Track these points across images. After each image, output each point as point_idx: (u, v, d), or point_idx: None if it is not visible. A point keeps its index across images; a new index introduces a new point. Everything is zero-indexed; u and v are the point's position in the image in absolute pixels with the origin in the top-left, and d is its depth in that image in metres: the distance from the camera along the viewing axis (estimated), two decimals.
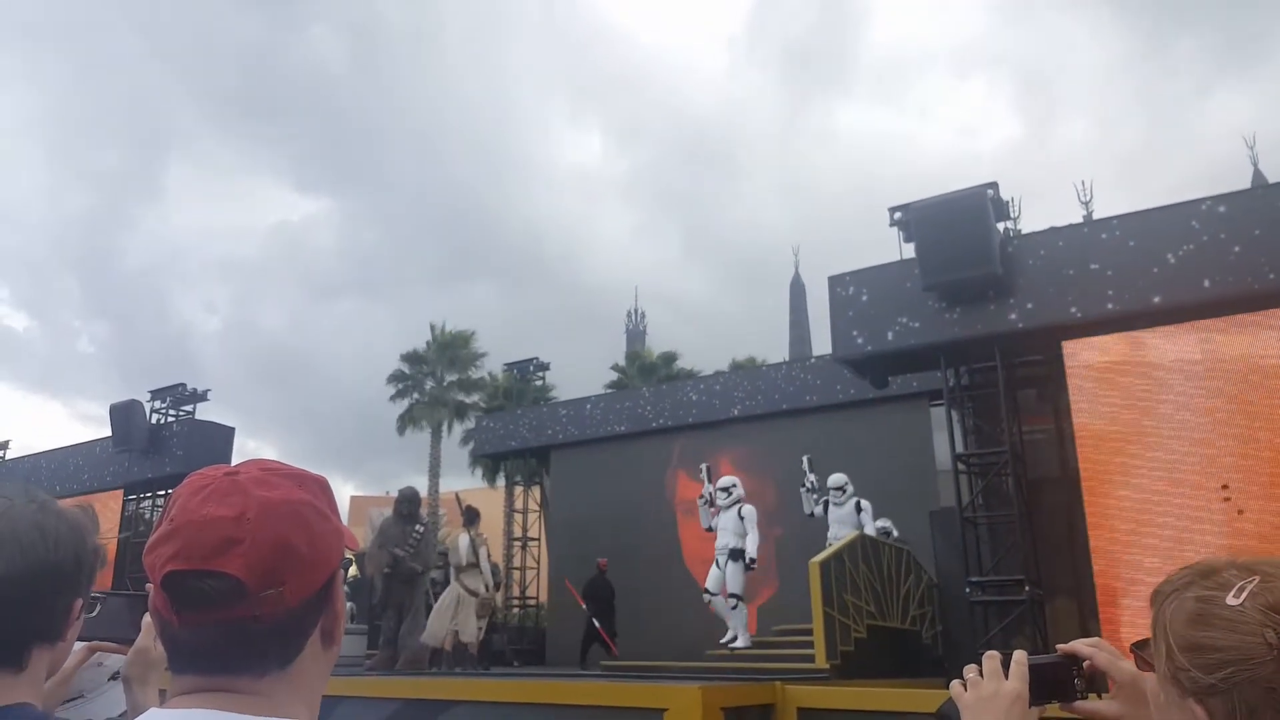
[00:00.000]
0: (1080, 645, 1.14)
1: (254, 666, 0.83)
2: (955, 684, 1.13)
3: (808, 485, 10.79)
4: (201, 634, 0.81)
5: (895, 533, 11.28)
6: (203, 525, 0.81)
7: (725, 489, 10.01)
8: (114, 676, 1.60)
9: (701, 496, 10.56)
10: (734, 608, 9.60)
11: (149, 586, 0.86)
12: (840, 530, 10.17)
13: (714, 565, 9.87)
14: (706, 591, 9.91)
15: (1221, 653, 0.83)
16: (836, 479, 10.47)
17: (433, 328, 27.55)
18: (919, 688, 7.98)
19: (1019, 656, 1.11)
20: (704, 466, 10.98)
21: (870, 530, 10.16)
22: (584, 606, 11.83)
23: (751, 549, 9.60)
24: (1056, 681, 1.12)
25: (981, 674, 1.11)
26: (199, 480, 0.86)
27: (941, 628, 10.44)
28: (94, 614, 1.34)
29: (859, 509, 10.28)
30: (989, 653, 1.13)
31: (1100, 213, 11.04)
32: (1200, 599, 0.88)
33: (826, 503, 10.46)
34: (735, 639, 9.60)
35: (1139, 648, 0.98)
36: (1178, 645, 0.87)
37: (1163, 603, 0.92)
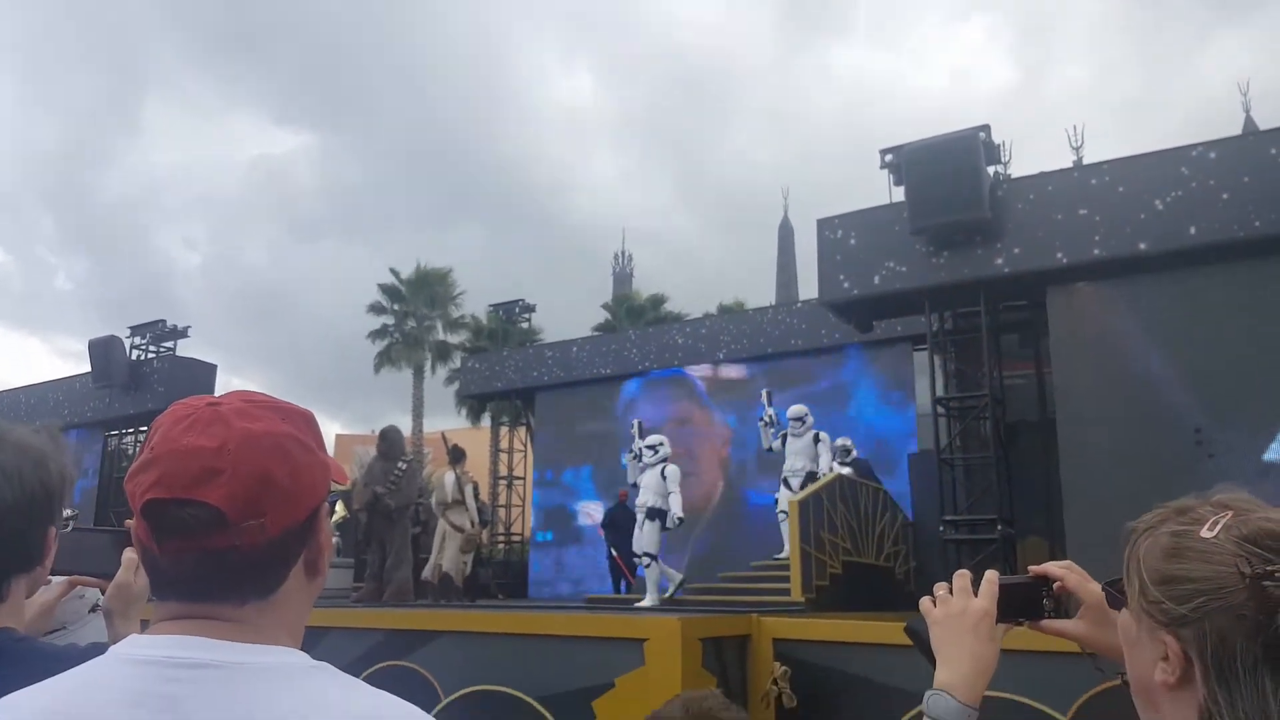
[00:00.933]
0: (1051, 567, 1.15)
1: (235, 595, 0.83)
2: (925, 600, 1.14)
3: (766, 419, 10.57)
4: (183, 562, 0.81)
5: (855, 451, 11.11)
6: (184, 455, 0.80)
7: (652, 447, 9.67)
8: (94, 608, 1.62)
9: (630, 451, 10.26)
10: (647, 566, 9.31)
11: (129, 522, 0.87)
12: (796, 462, 10.05)
13: (636, 525, 9.60)
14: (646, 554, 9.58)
15: (1195, 583, 0.85)
16: (796, 410, 10.24)
17: (394, 273, 26.99)
18: (891, 621, 8.17)
19: (989, 575, 1.12)
20: (635, 421, 10.81)
21: (826, 461, 10.00)
22: (601, 535, 11.33)
23: (676, 508, 9.30)
24: (1026, 601, 1.13)
25: (951, 591, 1.12)
26: (181, 410, 0.85)
27: (915, 564, 10.65)
28: (68, 530, 1.35)
29: (816, 440, 10.03)
30: (959, 571, 1.15)
31: (1091, 159, 11.02)
32: (1174, 534, 0.89)
33: (785, 436, 10.26)
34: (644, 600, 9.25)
35: (1111, 585, 0.99)
36: (1151, 579, 0.89)
37: (1137, 539, 0.94)
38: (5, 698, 0.81)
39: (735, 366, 14.65)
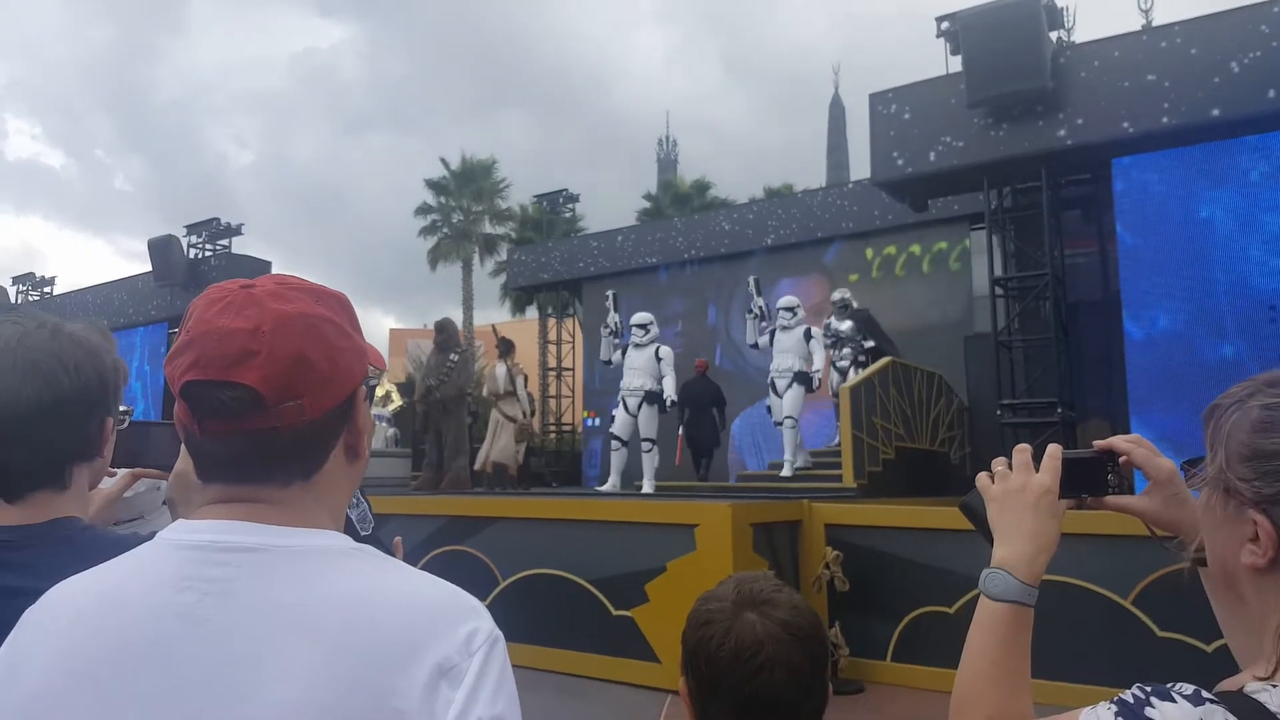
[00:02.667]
0: (1118, 441, 1.09)
1: (277, 476, 0.84)
2: (982, 476, 1.08)
3: (755, 311, 9.62)
4: (224, 443, 0.82)
5: (854, 303, 10.26)
6: (219, 336, 0.81)
7: (642, 325, 9.27)
8: (168, 500, 1.69)
9: (606, 326, 9.88)
10: (648, 451, 9.12)
11: None
12: (784, 361, 9.17)
13: (622, 409, 9.24)
14: (618, 439, 9.30)
15: None
16: (787, 300, 9.45)
17: (445, 163, 26.94)
18: (944, 506, 8.19)
19: (1052, 449, 1.06)
20: (610, 293, 10.40)
21: (820, 359, 9.15)
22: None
23: (669, 390, 9.06)
24: (1089, 476, 1.08)
25: (1011, 467, 1.06)
26: (215, 293, 0.85)
27: (970, 449, 10.59)
28: (123, 425, 1.37)
29: (808, 336, 9.16)
30: (1020, 445, 1.08)
31: (1162, 20, 10.31)
32: (1267, 406, 0.83)
33: (773, 332, 9.39)
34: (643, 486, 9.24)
35: (1191, 464, 0.93)
36: (1240, 454, 0.83)
37: (1223, 414, 0.87)
38: (58, 585, 0.84)
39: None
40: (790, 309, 9.31)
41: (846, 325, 9.86)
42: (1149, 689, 0.80)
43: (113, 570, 0.84)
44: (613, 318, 9.72)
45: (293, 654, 0.75)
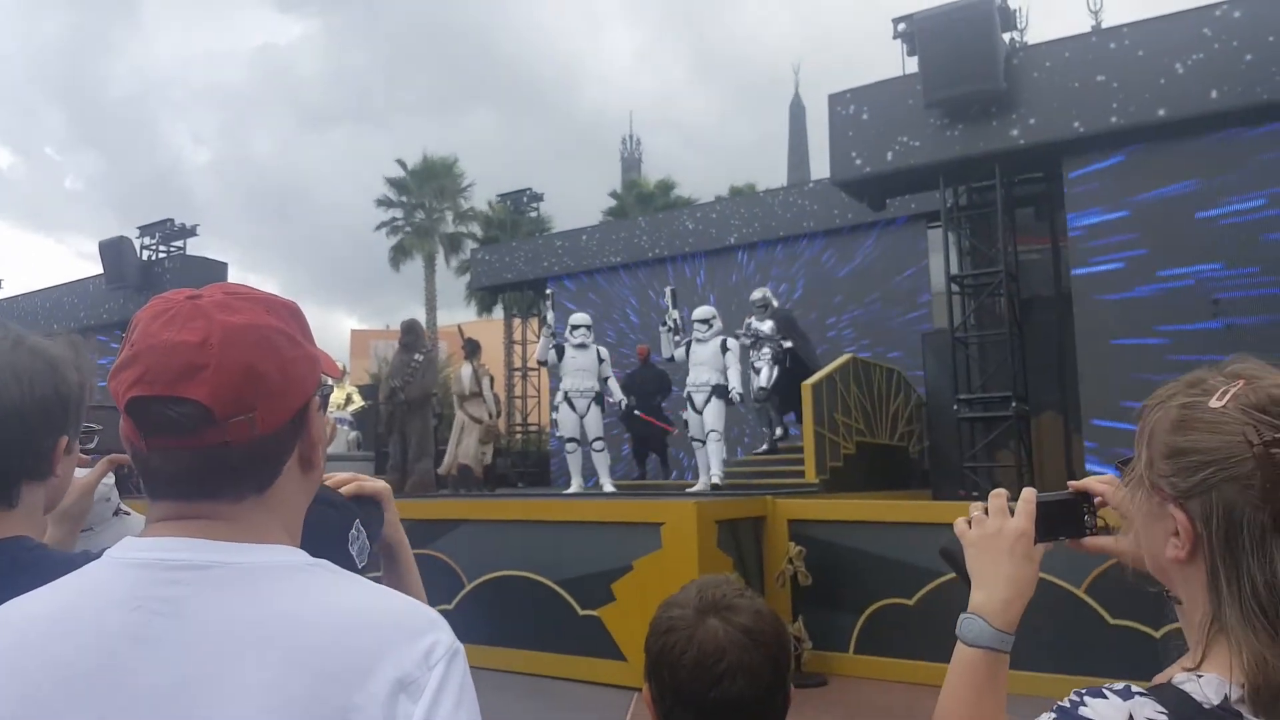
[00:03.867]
0: (1092, 482, 1.09)
1: (230, 492, 0.81)
2: (959, 521, 1.09)
3: (669, 324, 9.17)
4: (173, 460, 0.80)
5: (774, 302, 10.06)
6: (165, 350, 0.78)
7: (583, 326, 9.16)
8: (118, 512, 1.67)
9: (546, 325, 9.58)
10: (600, 450, 9.12)
11: None
12: (701, 374, 8.77)
13: (568, 409, 9.07)
14: (573, 440, 9.18)
15: (1202, 454, 0.83)
16: (703, 310, 9.02)
17: (402, 164, 26.70)
18: (904, 500, 8.33)
19: (1026, 494, 1.07)
20: (548, 293, 10.26)
21: (736, 376, 8.69)
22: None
23: (617, 391, 9.18)
24: (1065, 518, 1.08)
25: (986, 511, 1.07)
26: (160, 305, 0.82)
27: (928, 443, 10.78)
28: (91, 446, 1.35)
29: (724, 349, 8.72)
30: (995, 490, 1.10)
31: (1110, 21, 10.56)
32: (1184, 405, 0.87)
33: (689, 344, 8.95)
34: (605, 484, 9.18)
35: (1124, 463, 0.97)
36: (1160, 453, 0.87)
37: (1148, 415, 0.91)
38: (4, 606, 0.81)
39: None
40: (705, 320, 8.91)
41: (767, 325, 9.63)
42: (1083, 691, 0.83)
43: (60, 590, 0.80)
44: (550, 317, 9.53)
45: (247, 672, 0.73)
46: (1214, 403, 0.85)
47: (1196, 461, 0.84)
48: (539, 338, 17.85)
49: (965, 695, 0.99)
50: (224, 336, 0.78)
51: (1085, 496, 1.09)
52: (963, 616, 1.02)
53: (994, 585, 1.02)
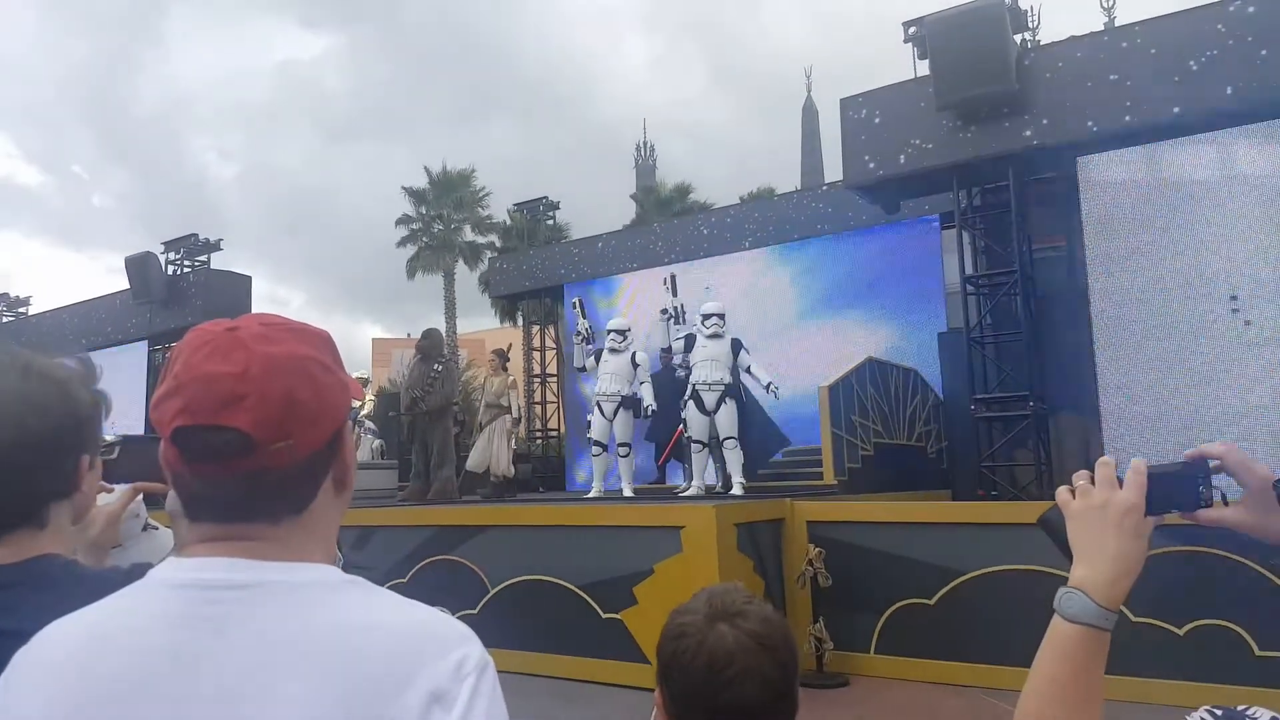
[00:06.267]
0: (1210, 447, 1.03)
1: (268, 514, 0.85)
2: (1062, 490, 1.03)
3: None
4: (215, 485, 0.83)
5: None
6: (207, 381, 0.81)
7: (620, 331, 9.01)
8: (147, 527, 1.71)
9: (578, 333, 9.54)
10: (625, 455, 9.03)
11: None
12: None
13: (599, 414, 8.98)
14: (599, 444, 9.12)
15: None
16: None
17: (428, 170, 27.34)
18: (924, 500, 8.36)
19: (1137, 465, 1.00)
20: (576, 300, 10.11)
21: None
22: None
23: (648, 398, 8.85)
24: (1179, 490, 1.01)
25: (1093, 481, 1.01)
26: (200, 336, 0.86)
27: (946, 444, 10.79)
28: (113, 456, 1.40)
29: (737, 348, 8.54)
30: (1103, 459, 1.02)
31: (1123, 19, 10.56)
32: None
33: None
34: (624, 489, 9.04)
35: None
36: None
37: None
38: (49, 625, 0.85)
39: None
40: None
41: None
42: (1219, 712, 0.81)
43: (105, 610, 0.84)
44: (582, 324, 9.55)
45: (286, 687, 0.76)
46: None
47: None
48: (556, 344, 18.11)
49: (1061, 673, 0.93)
50: (263, 367, 0.82)
51: (1200, 465, 1.02)
52: (1062, 591, 0.96)
53: (1099, 561, 0.96)
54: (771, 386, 8.51)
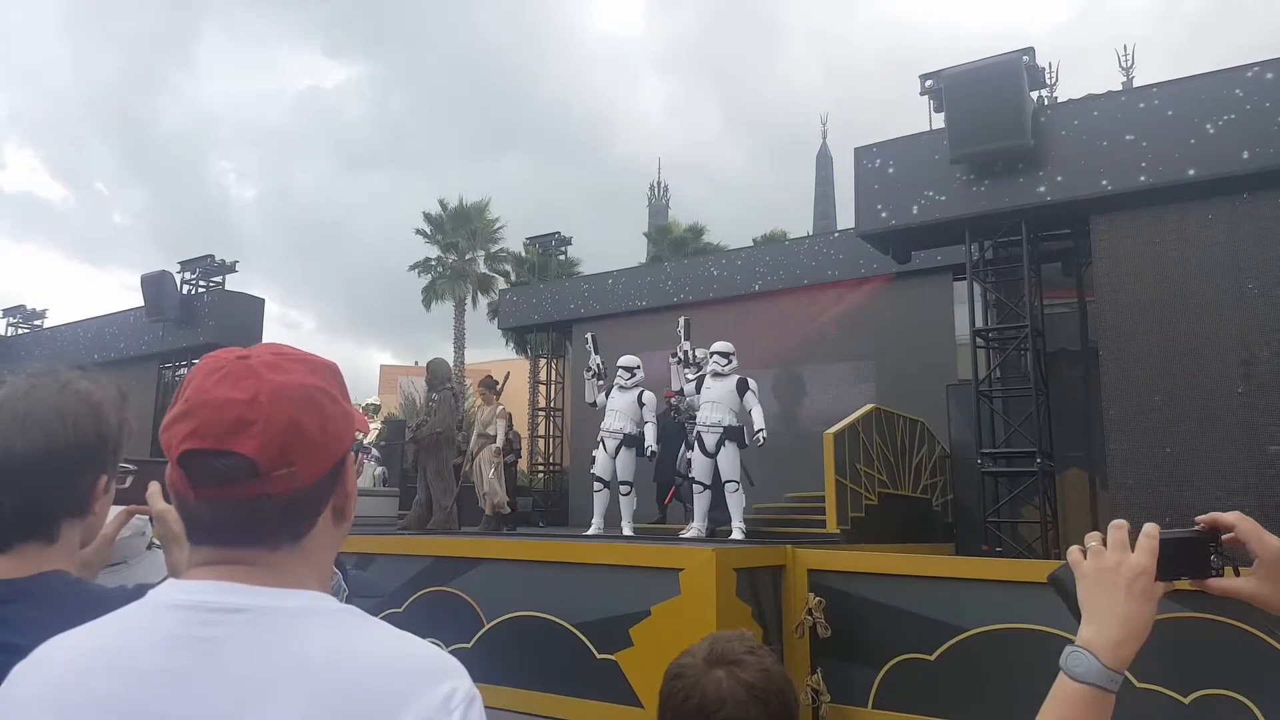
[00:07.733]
0: (1222, 516, 1.03)
1: (267, 540, 0.86)
2: (1074, 550, 1.03)
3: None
4: (217, 509, 0.85)
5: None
6: (217, 406, 0.83)
7: (628, 368, 9.02)
8: (152, 545, 1.72)
9: (589, 369, 9.58)
10: (626, 494, 9.01)
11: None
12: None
13: (602, 450, 8.96)
14: (601, 481, 9.08)
15: None
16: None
17: (443, 204, 27.83)
18: (927, 552, 8.26)
19: (1149, 529, 1.00)
20: (589, 335, 10.08)
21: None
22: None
23: (650, 439, 8.82)
24: (1190, 556, 1.01)
25: (1105, 543, 1.01)
26: (212, 363, 0.88)
27: (952, 496, 10.70)
28: (125, 485, 1.41)
29: (743, 388, 8.43)
30: (1116, 521, 1.03)
31: (1146, 79, 10.67)
32: None
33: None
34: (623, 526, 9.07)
35: None
36: None
37: None
38: (49, 641, 0.86)
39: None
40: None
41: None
42: None
43: (103, 629, 0.86)
44: (594, 360, 9.57)
45: (278, 713, 0.78)
46: None
47: None
48: (562, 378, 18.11)
49: None
50: (272, 395, 0.85)
51: (1212, 534, 1.02)
52: (1069, 649, 0.97)
53: (1107, 622, 0.97)
54: (760, 433, 8.36)
